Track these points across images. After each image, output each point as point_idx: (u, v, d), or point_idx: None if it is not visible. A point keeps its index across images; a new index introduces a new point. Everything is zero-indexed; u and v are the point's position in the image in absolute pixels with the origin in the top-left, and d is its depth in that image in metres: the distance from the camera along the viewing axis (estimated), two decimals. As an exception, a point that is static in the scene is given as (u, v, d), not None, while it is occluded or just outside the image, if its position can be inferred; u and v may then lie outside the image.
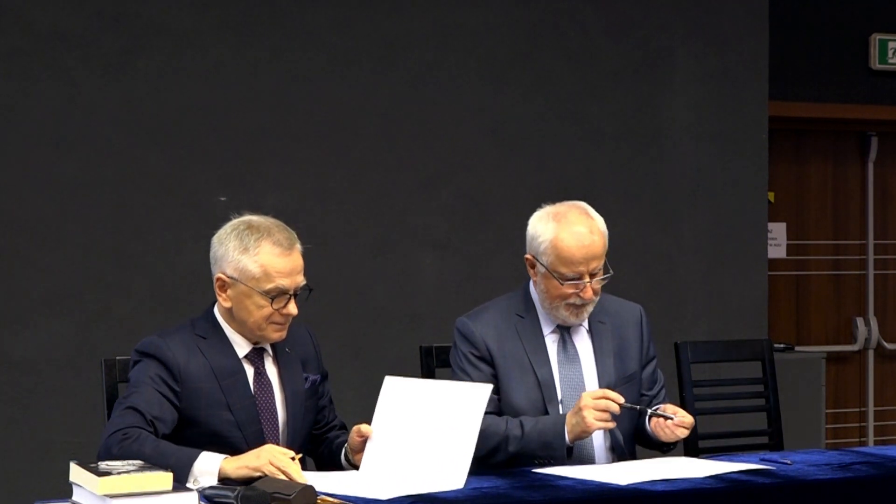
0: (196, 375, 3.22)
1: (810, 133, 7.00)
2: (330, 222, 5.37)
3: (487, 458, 3.43)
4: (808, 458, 3.52)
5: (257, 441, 3.21)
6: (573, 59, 5.75)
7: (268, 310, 3.23)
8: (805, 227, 7.03)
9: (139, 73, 5.13)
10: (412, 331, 5.36)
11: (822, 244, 7.07)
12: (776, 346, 6.01)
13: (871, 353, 7.14)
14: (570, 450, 3.44)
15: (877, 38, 6.84)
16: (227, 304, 3.26)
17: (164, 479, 2.72)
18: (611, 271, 3.57)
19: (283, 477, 2.95)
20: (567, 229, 3.52)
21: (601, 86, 5.79)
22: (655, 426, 3.50)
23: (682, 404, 4.14)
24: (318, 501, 2.85)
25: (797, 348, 6.73)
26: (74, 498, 2.84)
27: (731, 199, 6.00)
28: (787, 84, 6.60)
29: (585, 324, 3.65)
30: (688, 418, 3.48)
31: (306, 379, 3.39)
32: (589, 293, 3.53)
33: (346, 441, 3.38)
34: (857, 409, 7.14)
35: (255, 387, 3.29)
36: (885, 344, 7.14)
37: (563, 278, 3.51)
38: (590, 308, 3.59)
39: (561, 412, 3.53)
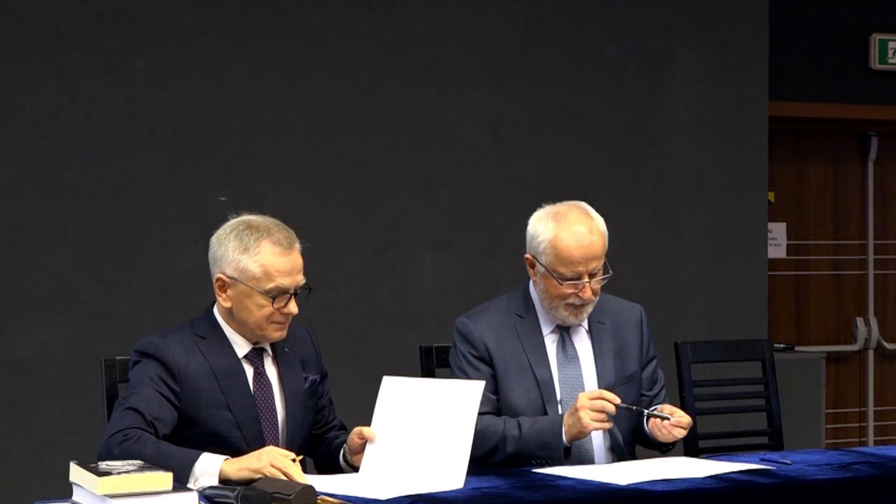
0: (196, 375, 3.22)
1: (810, 133, 7.00)
2: (330, 222, 5.37)
3: (486, 458, 3.43)
4: (808, 458, 3.52)
5: (257, 441, 3.21)
6: (573, 59, 5.75)
7: (268, 309, 3.23)
8: (805, 227, 7.03)
9: (139, 73, 5.14)
10: (412, 331, 5.36)
11: (822, 244, 7.07)
12: (776, 346, 6.02)
13: (871, 353, 7.14)
14: (567, 450, 3.44)
15: (877, 38, 6.84)
16: (228, 305, 3.26)
17: (164, 479, 2.72)
18: (610, 272, 3.57)
19: (283, 478, 2.95)
20: (566, 229, 3.52)
21: (601, 86, 5.79)
22: (653, 427, 3.50)
23: (682, 404, 4.15)
24: (318, 501, 2.85)
25: (797, 348, 6.73)
26: (74, 498, 2.84)
27: (731, 199, 6.00)
28: (787, 84, 6.60)
29: (585, 324, 3.65)
30: (685, 418, 3.48)
31: (306, 379, 3.39)
32: (588, 293, 3.52)
33: (345, 442, 3.38)
34: (857, 409, 7.14)
35: (254, 387, 3.29)
36: (885, 344, 7.14)
37: (563, 278, 3.51)
38: (589, 308, 3.59)
39: (560, 412, 3.52)
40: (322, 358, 3.52)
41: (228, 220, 3.32)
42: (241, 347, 3.30)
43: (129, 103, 5.13)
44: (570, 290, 3.52)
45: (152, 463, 2.89)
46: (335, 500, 2.88)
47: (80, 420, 4.92)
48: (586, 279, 3.51)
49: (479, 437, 3.32)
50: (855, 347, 7.12)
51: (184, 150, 5.20)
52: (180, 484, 2.83)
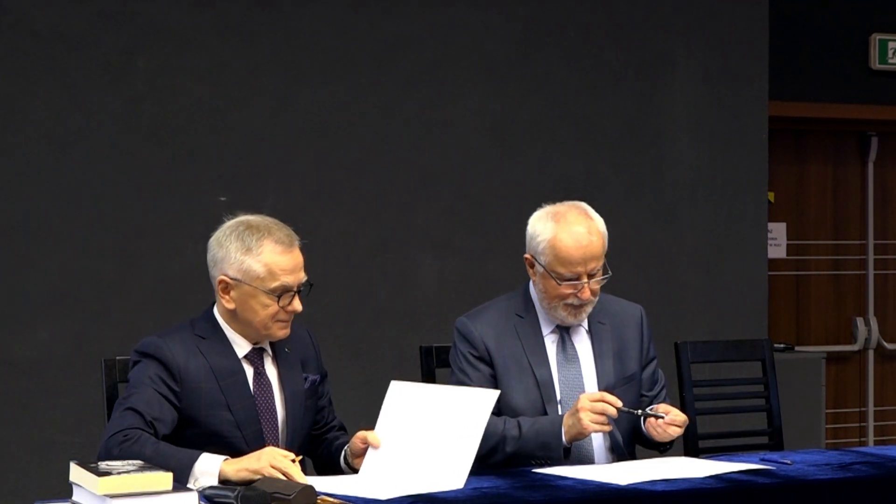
0: (196, 375, 3.22)
1: (810, 133, 7.00)
2: (330, 222, 5.37)
3: (485, 458, 3.43)
4: (808, 458, 3.52)
5: (257, 441, 3.21)
6: (573, 59, 5.75)
7: (274, 308, 3.23)
8: (805, 227, 7.03)
9: (139, 73, 5.14)
10: (412, 331, 5.36)
11: (822, 244, 7.07)
12: (776, 346, 6.02)
13: (871, 353, 7.14)
14: (567, 450, 3.44)
15: (877, 38, 6.84)
16: (231, 306, 3.26)
17: (164, 479, 2.72)
18: (609, 272, 3.57)
19: (283, 478, 2.95)
20: (566, 230, 3.52)
21: (601, 86, 5.79)
22: (649, 426, 3.50)
23: (682, 404, 4.15)
24: (318, 501, 2.85)
25: (797, 348, 6.73)
26: (74, 498, 2.84)
27: (731, 199, 6.00)
28: (787, 84, 6.60)
29: (585, 324, 3.65)
30: (680, 416, 3.47)
31: (306, 379, 3.39)
32: (587, 294, 3.52)
33: (345, 443, 3.38)
34: (857, 409, 7.14)
35: (254, 387, 3.29)
36: (885, 344, 7.14)
37: (561, 278, 3.51)
38: (588, 309, 3.59)
39: (560, 413, 3.52)
40: (322, 358, 3.51)
41: (224, 221, 3.32)
42: (242, 347, 3.30)
43: (129, 103, 5.13)
44: (569, 291, 3.52)
45: (152, 463, 2.89)
46: (335, 500, 2.88)
47: (80, 420, 4.92)
48: (585, 280, 3.51)
49: (479, 436, 3.33)
50: (855, 347, 7.12)
51: (184, 150, 5.20)
52: (180, 484, 2.83)
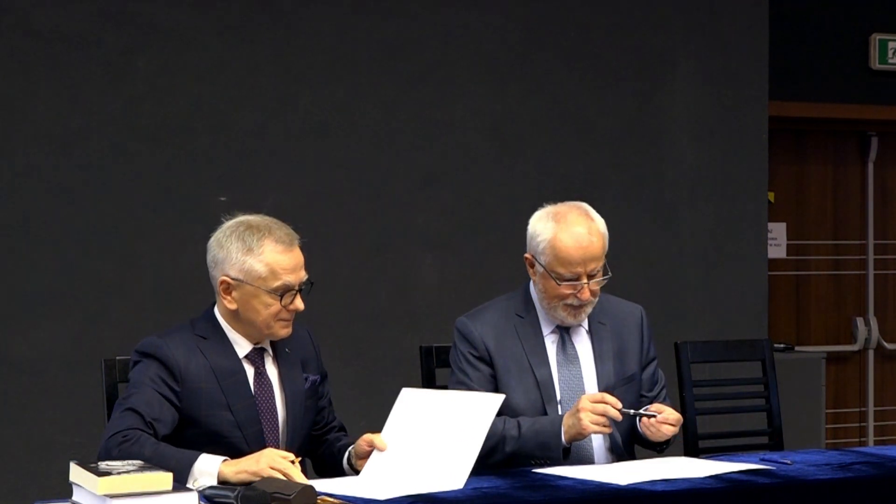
0: (196, 375, 3.22)
1: (810, 133, 7.00)
2: (330, 222, 5.37)
3: (485, 458, 3.42)
4: (808, 458, 3.52)
5: (257, 441, 3.21)
6: (573, 59, 5.75)
7: (276, 307, 3.23)
8: (805, 227, 7.03)
9: (139, 73, 5.14)
10: (412, 331, 5.36)
11: (822, 244, 7.07)
12: (776, 346, 6.01)
13: (871, 353, 7.14)
14: (566, 451, 3.44)
15: (877, 38, 6.84)
16: (233, 306, 3.26)
17: (164, 479, 2.72)
18: (609, 273, 3.57)
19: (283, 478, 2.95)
20: (566, 230, 3.52)
21: (601, 86, 5.79)
22: (643, 426, 3.50)
23: (682, 404, 4.15)
24: (318, 501, 2.85)
25: (797, 348, 6.73)
26: (74, 498, 2.84)
27: (731, 199, 6.00)
28: (787, 84, 6.59)
29: (585, 324, 3.65)
30: (673, 415, 3.47)
31: (306, 379, 3.39)
32: (586, 294, 3.52)
33: (348, 444, 3.38)
34: (857, 409, 7.14)
35: (255, 387, 3.29)
36: (885, 344, 7.14)
37: (561, 279, 3.51)
38: (588, 309, 3.59)
39: (560, 413, 3.52)
40: (322, 358, 3.51)
41: (223, 222, 3.32)
42: (242, 347, 3.30)
43: (129, 103, 5.13)
44: (569, 291, 3.52)
45: (151, 464, 2.89)
46: (335, 501, 2.88)
47: (80, 420, 4.92)
48: (585, 280, 3.51)
49: (478, 437, 3.33)
50: (855, 347, 7.12)
51: (184, 150, 5.20)
52: (180, 484, 2.83)
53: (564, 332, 3.63)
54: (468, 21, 5.59)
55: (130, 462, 2.85)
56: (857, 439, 7.10)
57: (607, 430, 3.39)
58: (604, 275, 3.55)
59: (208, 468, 3.00)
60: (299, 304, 3.26)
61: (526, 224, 3.62)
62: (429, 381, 3.92)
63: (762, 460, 3.48)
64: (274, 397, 3.31)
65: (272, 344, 3.35)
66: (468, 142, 5.60)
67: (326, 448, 3.48)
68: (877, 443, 6.97)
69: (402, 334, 5.39)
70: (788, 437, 4.39)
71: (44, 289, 5.01)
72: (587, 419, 3.35)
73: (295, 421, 3.33)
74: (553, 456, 3.42)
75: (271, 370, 3.34)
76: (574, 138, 5.76)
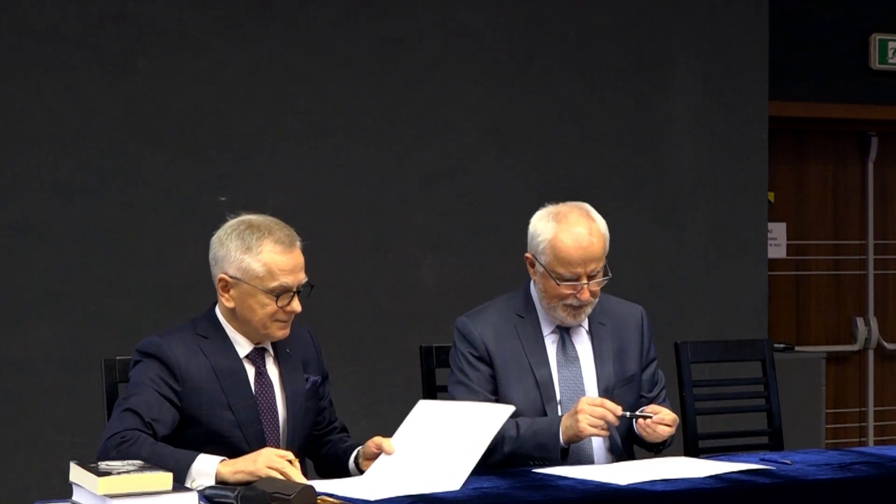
0: (197, 375, 3.22)
1: (810, 133, 7.00)
2: (330, 222, 5.37)
3: (484, 458, 3.41)
4: (808, 458, 3.52)
5: (258, 441, 3.21)
6: (573, 59, 5.75)
7: (272, 308, 3.23)
8: (805, 227, 7.03)
9: (139, 73, 5.14)
10: (412, 331, 5.36)
11: (822, 244, 7.07)
12: (776, 346, 6.01)
13: (871, 353, 7.14)
14: (564, 452, 3.43)
15: (877, 38, 6.84)
16: (231, 305, 3.26)
17: (164, 479, 2.72)
18: (609, 274, 3.57)
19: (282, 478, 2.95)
20: (566, 230, 3.52)
21: (601, 86, 5.79)
22: (640, 427, 3.50)
23: (682, 404, 4.15)
24: (318, 502, 2.85)
25: (797, 348, 6.73)
26: (74, 498, 2.84)
27: (731, 199, 6.00)
28: (787, 84, 6.60)
29: (585, 325, 3.65)
30: (669, 415, 3.47)
31: (307, 380, 3.39)
32: (586, 295, 3.52)
33: (355, 445, 3.38)
34: (857, 409, 7.14)
35: (256, 387, 3.29)
36: (885, 344, 7.14)
37: (561, 279, 3.51)
38: (588, 310, 3.59)
39: (560, 413, 3.52)
40: (323, 359, 3.52)
41: (227, 220, 3.33)
42: (243, 347, 3.30)
43: (129, 103, 5.13)
44: (568, 291, 3.52)
45: (149, 464, 2.89)
46: (335, 501, 2.88)
47: (80, 420, 4.92)
48: (584, 281, 3.51)
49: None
50: (855, 347, 7.12)
51: (184, 150, 5.20)
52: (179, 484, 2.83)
53: (564, 333, 3.63)
54: (468, 21, 5.59)
55: (130, 462, 2.85)
56: (857, 439, 7.10)
57: (604, 433, 3.39)
58: (604, 275, 3.55)
59: (206, 468, 3.00)
60: (296, 305, 3.26)
61: (526, 224, 3.62)
62: (429, 381, 3.92)
63: (762, 460, 3.48)
64: (274, 397, 3.31)
65: (273, 344, 3.35)
66: (468, 142, 5.60)
67: (329, 448, 3.48)
68: (877, 443, 6.97)
69: (402, 334, 5.39)
70: (788, 437, 4.39)
71: (44, 289, 5.01)
72: (585, 421, 3.35)
73: (295, 421, 3.33)
74: (551, 457, 3.42)
75: (272, 370, 3.34)
76: (574, 138, 5.75)
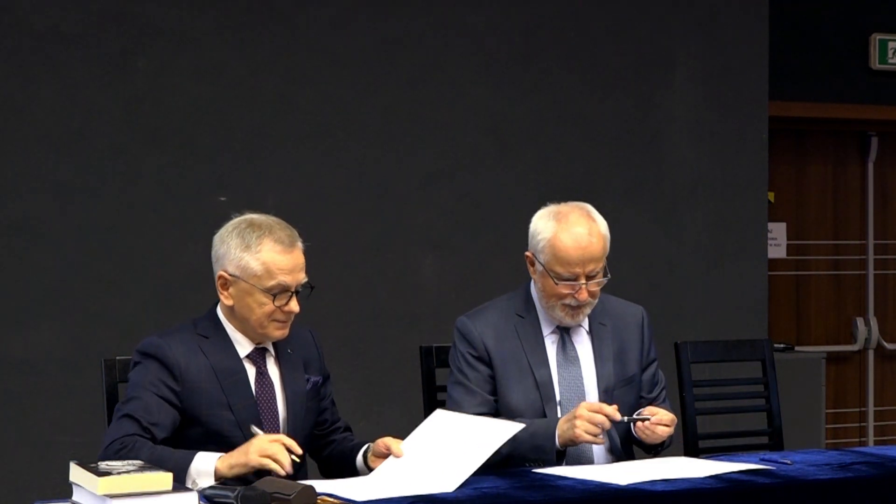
0: (197, 375, 3.22)
1: (810, 133, 7.00)
2: (330, 222, 5.37)
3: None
4: (808, 458, 3.52)
5: (258, 441, 3.22)
6: (573, 59, 5.75)
7: (270, 307, 3.23)
8: (805, 227, 7.03)
9: (139, 73, 5.14)
10: (412, 331, 5.36)
11: (822, 244, 7.07)
12: (776, 346, 6.02)
13: (871, 353, 7.14)
14: (561, 454, 3.43)
15: (877, 38, 6.84)
16: (229, 302, 3.27)
17: (164, 479, 2.72)
18: (609, 275, 3.56)
19: (276, 466, 2.96)
20: (566, 230, 3.52)
21: (601, 86, 5.79)
22: (638, 430, 3.50)
23: (682, 404, 4.15)
24: (318, 502, 2.85)
25: (797, 348, 6.73)
26: (74, 498, 2.84)
27: (731, 199, 6.00)
28: (787, 84, 6.60)
29: (586, 325, 3.65)
30: (666, 416, 3.47)
31: (307, 380, 3.39)
32: (584, 295, 3.52)
33: (363, 443, 3.38)
34: (857, 409, 7.14)
35: (256, 387, 3.29)
36: (885, 344, 7.14)
37: (559, 278, 3.51)
38: (586, 310, 3.59)
39: (559, 414, 3.52)
40: (324, 359, 3.52)
41: (231, 218, 3.33)
42: (244, 347, 3.30)
43: (129, 103, 5.13)
44: (567, 291, 3.52)
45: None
46: (335, 501, 2.88)
47: (80, 420, 4.92)
48: (583, 281, 3.50)
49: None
50: (855, 347, 7.12)
51: (184, 150, 5.20)
52: (180, 484, 2.83)
53: (565, 333, 3.63)
54: (468, 21, 5.59)
55: (130, 462, 2.86)
56: (857, 439, 7.10)
57: (600, 441, 3.39)
58: (604, 276, 3.55)
59: (205, 467, 3.01)
60: (294, 305, 3.26)
61: (526, 224, 3.62)
62: (429, 381, 3.92)
63: (762, 460, 3.48)
64: (275, 397, 3.31)
65: (274, 344, 3.35)
66: (468, 142, 5.60)
67: (334, 448, 3.48)
68: (877, 443, 6.97)
69: (402, 334, 5.39)
70: (788, 437, 4.39)
71: (44, 289, 5.01)
72: (582, 428, 3.34)
73: (296, 421, 3.33)
74: (547, 459, 3.41)
75: (273, 370, 3.34)
76: (574, 138, 5.75)
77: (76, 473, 2.81)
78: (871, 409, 7.12)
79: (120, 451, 3.03)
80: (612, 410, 3.36)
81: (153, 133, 5.16)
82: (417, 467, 3.17)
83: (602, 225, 3.56)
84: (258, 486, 2.83)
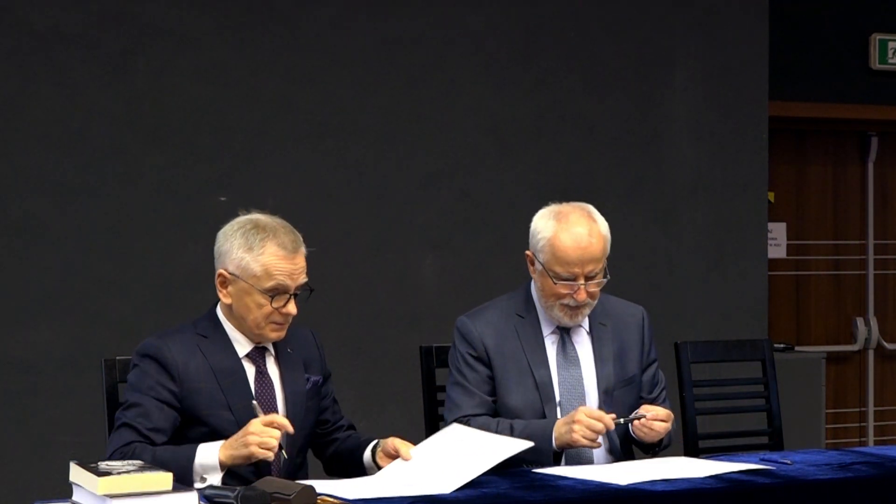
0: (196, 375, 3.22)
1: (810, 133, 7.00)
2: (330, 222, 5.37)
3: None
4: (808, 458, 3.52)
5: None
6: (573, 59, 5.75)
7: (267, 308, 3.23)
8: (805, 227, 7.03)
9: (139, 73, 5.13)
10: (412, 331, 5.36)
11: (822, 244, 7.07)
12: (776, 346, 6.01)
13: (871, 353, 7.14)
14: (557, 456, 3.43)
15: (877, 38, 6.84)
16: (228, 301, 3.27)
17: (164, 479, 2.72)
18: (608, 276, 3.56)
19: (270, 454, 2.99)
20: (566, 230, 3.51)
21: (601, 86, 5.79)
22: (636, 429, 3.50)
23: (682, 404, 4.14)
24: (318, 502, 2.85)
25: (797, 348, 6.72)
26: (74, 498, 2.84)
27: (731, 199, 6.00)
28: (787, 84, 6.59)
29: (586, 325, 3.65)
30: (662, 411, 3.47)
31: (308, 380, 3.39)
32: (582, 295, 3.51)
33: (370, 439, 3.38)
34: (857, 409, 7.14)
35: (256, 386, 3.29)
36: (885, 344, 7.14)
37: (558, 277, 3.50)
38: (585, 311, 3.58)
39: (559, 415, 3.52)
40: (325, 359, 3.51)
41: (238, 216, 3.32)
42: (243, 346, 3.30)
43: (129, 103, 5.13)
44: (565, 291, 3.52)
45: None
46: (335, 501, 2.88)
47: (80, 420, 4.92)
48: (582, 281, 3.50)
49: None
50: (855, 347, 7.12)
51: (184, 150, 5.20)
52: (185, 484, 2.84)
53: (565, 333, 3.63)
54: (468, 21, 5.59)
55: (130, 462, 2.86)
56: (857, 439, 7.10)
57: (597, 445, 3.39)
58: (603, 277, 3.54)
59: (210, 461, 3.04)
60: (291, 308, 3.25)
61: (526, 224, 3.62)
62: (428, 381, 3.92)
63: (762, 460, 3.48)
64: (275, 397, 3.31)
65: (274, 343, 3.35)
66: (468, 142, 5.60)
67: (338, 446, 3.48)
68: (877, 443, 6.97)
69: (402, 334, 5.39)
70: (788, 437, 4.39)
71: (43, 289, 5.01)
72: (579, 433, 3.35)
73: (296, 421, 3.32)
74: (543, 460, 3.41)
75: (272, 370, 3.34)
76: (574, 138, 5.75)
77: (76, 473, 2.81)
78: (871, 409, 7.12)
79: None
80: (610, 420, 3.37)
81: (153, 133, 5.16)
82: (420, 471, 3.17)
83: (602, 226, 3.56)
84: (258, 486, 2.83)
